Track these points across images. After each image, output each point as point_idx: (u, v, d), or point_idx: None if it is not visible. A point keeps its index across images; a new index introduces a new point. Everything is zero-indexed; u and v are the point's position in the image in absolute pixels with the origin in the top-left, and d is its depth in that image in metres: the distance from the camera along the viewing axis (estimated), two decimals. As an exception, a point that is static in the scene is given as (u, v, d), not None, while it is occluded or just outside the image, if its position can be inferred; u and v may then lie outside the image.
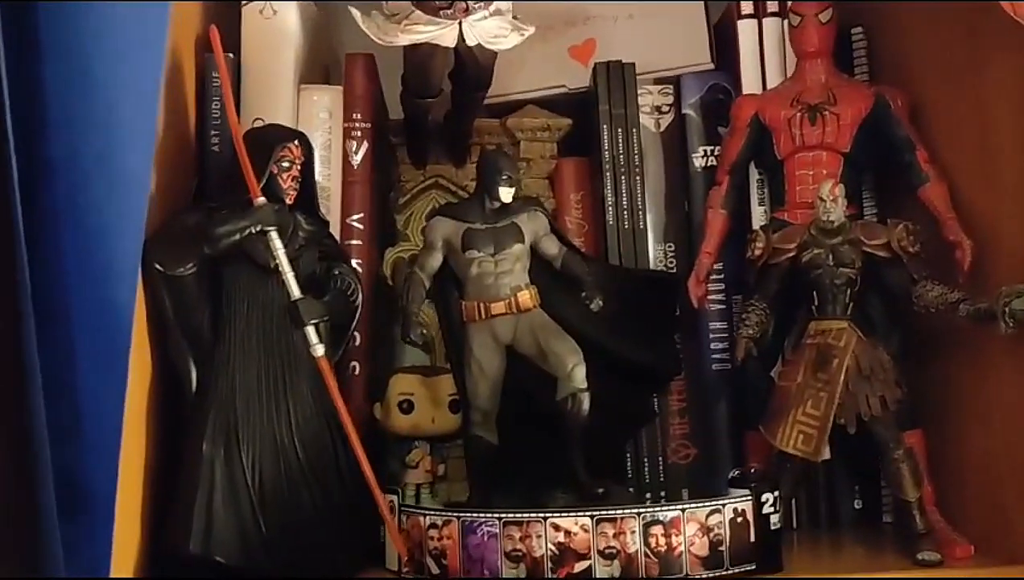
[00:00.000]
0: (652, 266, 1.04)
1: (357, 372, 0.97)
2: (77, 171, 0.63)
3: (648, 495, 1.01)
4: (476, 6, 0.83)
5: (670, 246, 1.05)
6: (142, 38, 0.67)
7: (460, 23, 0.84)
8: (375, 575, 0.83)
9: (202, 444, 0.78)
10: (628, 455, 1.01)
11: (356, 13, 0.86)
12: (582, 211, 1.08)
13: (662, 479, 1.01)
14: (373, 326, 0.99)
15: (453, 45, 0.85)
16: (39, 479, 0.61)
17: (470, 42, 0.85)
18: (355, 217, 0.98)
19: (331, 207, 0.97)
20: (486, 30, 0.85)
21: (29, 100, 0.60)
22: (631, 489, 1.00)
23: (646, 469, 1.02)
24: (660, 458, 1.02)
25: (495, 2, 0.85)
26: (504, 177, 0.87)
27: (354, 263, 0.96)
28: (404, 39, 0.84)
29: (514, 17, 0.89)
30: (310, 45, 1.03)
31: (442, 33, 0.84)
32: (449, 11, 0.82)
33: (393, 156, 1.10)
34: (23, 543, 0.59)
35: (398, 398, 0.97)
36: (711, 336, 1.03)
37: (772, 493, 0.80)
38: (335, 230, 0.96)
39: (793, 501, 0.96)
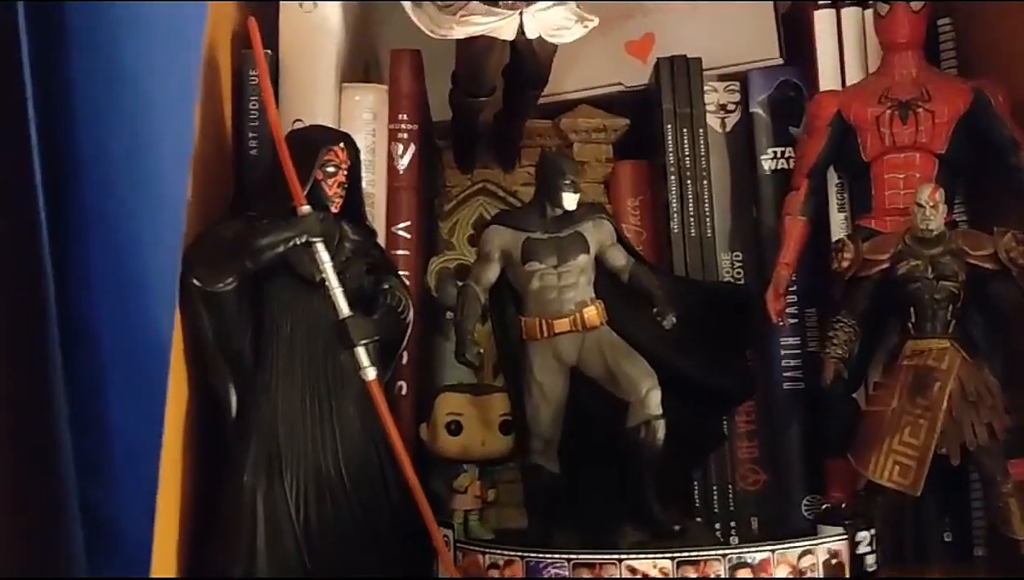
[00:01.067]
0: (719, 277, 0.97)
1: (404, 392, 0.92)
2: (106, 171, 0.57)
3: (717, 526, 0.94)
4: (539, -4, 0.76)
5: (737, 255, 0.99)
6: (176, 30, 0.61)
7: (521, 13, 0.77)
8: (424, 612, 0.76)
9: (243, 474, 0.72)
10: (696, 483, 0.95)
11: (407, 3, 0.79)
12: (640, 218, 1.03)
13: (731, 508, 0.95)
14: (421, 343, 0.93)
15: (512, 37, 0.79)
16: (65, 518, 0.56)
17: (530, 34, 0.79)
18: (401, 226, 0.93)
19: (375, 214, 0.91)
20: (549, 21, 0.79)
21: (55, 94, 0.54)
22: (698, 519, 0.93)
23: (715, 497, 0.95)
24: (729, 485, 0.95)
25: (560, -11, 0.78)
26: (568, 181, 0.80)
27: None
28: (460, 31, 0.78)
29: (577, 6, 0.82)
30: (351, 41, 0.97)
31: (501, 25, 0.78)
32: (510, 1, 0.76)
33: (438, 160, 1.05)
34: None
35: (446, 419, 0.92)
36: (783, 353, 0.96)
37: (868, 531, 0.73)
38: (380, 239, 0.90)
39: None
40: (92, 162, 0.57)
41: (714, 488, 0.95)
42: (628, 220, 1.03)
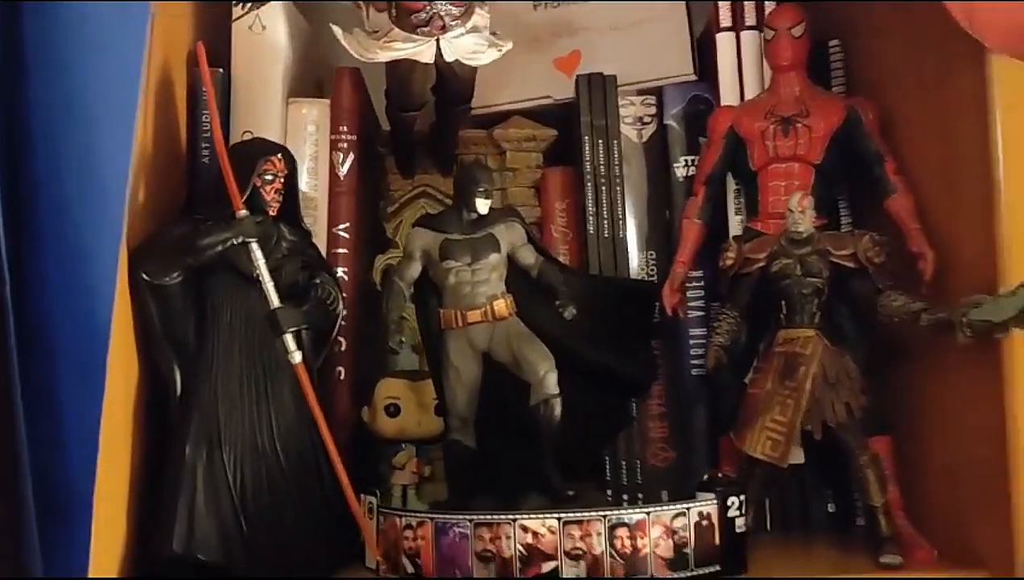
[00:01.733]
0: (634, 274, 1.06)
1: (343, 377, 1.00)
2: (59, 191, 0.66)
3: (625, 497, 1.03)
4: (453, 24, 0.86)
5: (651, 254, 1.06)
6: (121, 60, 0.70)
7: (438, 40, 0.86)
8: (354, 574, 0.85)
9: (185, 449, 0.80)
10: (607, 459, 1.04)
11: (338, 31, 0.88)
12: (567, 220, 1.10)
13: (639, 482, 1.03)
14: (360, 332, 1.02)
15: (432, 61, 0.88)
16: (19, 483, 0.63)
17: (448, 58, 0.88)
18: (341, 226, 1.01)
19: (318, 217, 1.00)
20: (463, 47, 0.88)
21: (13, 121, 0.63)
22: (609, 491, 1.03)
23: (624, 472, 1.04)
24: (638, 461, 1.04)
25: (472, 19, 0.87)
26: (480, 189, 0.89)
27: (340, 271, 1.00)
28: (383, 55, 0.87)
29: (492, 33, 0.91)
30: (301, 59, 1.06)
31: (420, 50, 0.86)
32: (426, 28, 0.85)
33: (382, 166, 1.13)
34: (3, 546, 0.61)
35: (385, 402, 1.00)
36: (691, 342, 1.04)
37: (738, 497, 0.82)
38: (322, 239, 1.00)
39: (766, 504, 0.99)
40: (46, 185, 0.65)
41: (623, 463, 1.03)
42: (556, 222, 1.10)
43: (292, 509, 0.84)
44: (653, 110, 1.08)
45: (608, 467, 1.04)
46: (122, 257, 0.74)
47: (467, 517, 0.79)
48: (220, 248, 0.82)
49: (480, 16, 0.88)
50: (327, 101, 1.02)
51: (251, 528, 0.81)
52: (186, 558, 0.78)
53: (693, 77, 1.11)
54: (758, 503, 0.92)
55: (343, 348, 0.99)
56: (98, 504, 0.67)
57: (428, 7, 0.83)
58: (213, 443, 0.81)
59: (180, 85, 0.95)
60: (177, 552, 0.78)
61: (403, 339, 0.89)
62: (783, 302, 0.89)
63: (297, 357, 0.82)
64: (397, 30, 0.86)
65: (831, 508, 1.01)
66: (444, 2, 0.83)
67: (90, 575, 0.67)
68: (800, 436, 0.88)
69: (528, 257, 0.92)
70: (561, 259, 1.06)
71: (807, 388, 0.85)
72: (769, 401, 0.87)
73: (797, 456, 0.96)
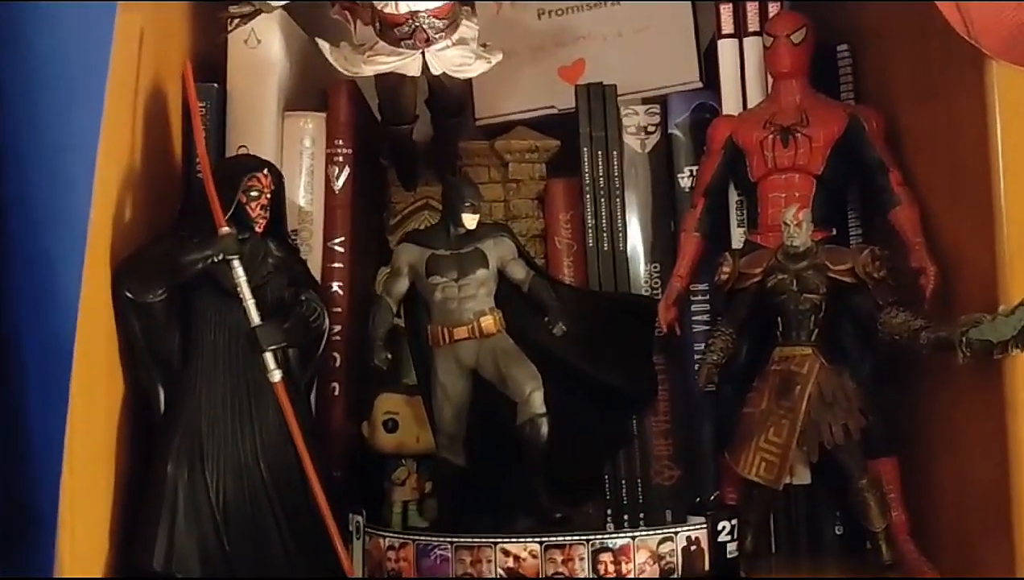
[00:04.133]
0: (638, 288, 1.03)
1: (337, 392, 0.99)
2: (29, 209, 0.66)
3: (626, 517, 1.00)
4: (437, 36, 0.84)
5: (655, 267, 1.04)
6: (85, 84, 0.69)
7: (423, 53, 0.85)
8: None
9: (167, 465, 0.80)
10: (607, 477, 1.01)
11: (324, 45, 0.88)
12: (571, 232, 1.07)
13: (641, 501, 1.01)
14: (358, 346, 1.01)
15: (418, 74, 0.87)
16: None
17: (435, 71, 0.87)
18: (337, 240, 1.00)
19: (314, 231, 1.00)
20: (449, 60, 0.87)
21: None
22: (609, 511, 1.00)
23: (624, 491, 1.01)
24: (639, 479, 1.01)
25: (458, 31, 0.86)
26: (467, 204, 0.88)
27: (335, 285, 0.99)
28: (368, 69, 0.86)
29: (482, 45, 0.90)
30: (299, 72, 1.05)
31: (405, 63, 0.86)
32: (410, 41, 0.84)
33: (384, 178, 1.12)
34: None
35: (383, 417, 0.99)
36: (695, 358, 1.00)
37: (729, 521, 0.79)
38: (317, 253, 0.99)
39: (771, 526, 0.95)
40: (17, 203, 0.65)
41: (623, 483, 1.01)
42: (561, 234, 1.07)
43: (276, 527, 0.83)
44: (657, 119, 1.06)
45: (609, 486, 1.01)
46: (87, 269, 0.74)
47: (448, 539, 0.78)
48: (201, 265, 0.82)
49: (467, 27, 0.87)
50: (323, 115, 1.01)
51: (233, 546, 0.81)
52: (166, 576, 0.78)
53: (699, 84, 1.09)
54: (760, 525, 0.89)
55: (337, 363, 0.98)
56: (64, 519, 0.66)
57: (411, 20, 0.82)
58: (195, 461, 0.81)
59: (175, 98, 0.94)
60: (157, 570, 0.78)
61: (389, 355, 0.88)
62: (779, 318, 0.86)
63: (277, 375, 0.82)
64: (382, 43, 0.85)
65: (839, 530, 0.97)
66: (427, 15, 0.82)
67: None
68: (804, 456, 0.84)
69: (518, 272, 0.90)
70: (566, 272, 1.04)
71: (802, 408, 0.82)
72: (764, 421, 0.84)
73: (804, 476, 0.94)
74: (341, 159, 1.01)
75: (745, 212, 0.99)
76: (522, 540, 0.77)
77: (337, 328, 0.96)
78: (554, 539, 0.76)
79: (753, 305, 0.88)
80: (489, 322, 0.87)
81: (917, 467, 0.88)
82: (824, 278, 0.85)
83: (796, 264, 0.86)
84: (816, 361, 0.84)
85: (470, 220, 0.88)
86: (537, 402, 0.83)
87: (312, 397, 0.95)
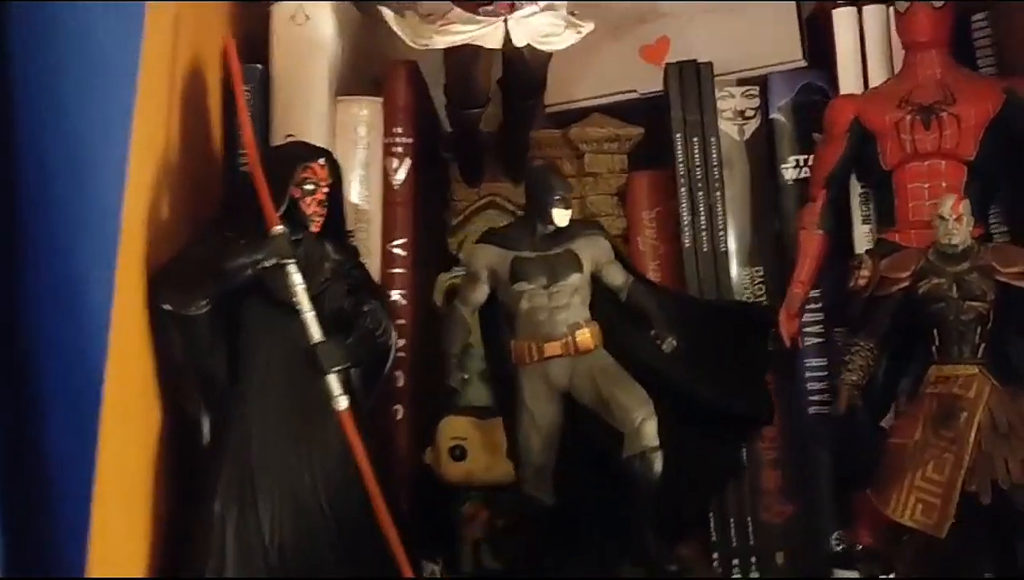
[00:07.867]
0: (737, 293, 0.93)
1: (400, 416, 0.89)
2: (48, 210, 0.57)
3: (736, 562, 0.89)
4: (522, 3, 0.73)
5: (758, 270, 0.94)
6: (115, 72, 0.61)
7: (505, 20, 0.75)
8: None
9: (214, 503, 0.70)
10: (711, 515, 0.90)
11: (388, 13, 0.79)
12: (656, 230, 0.98)
13: (751, 542, 0.90)
14: (421, 363, 0.91)
15: (499, 46, 0.77)
16: None
17: (518, 42, 0.77)
18: (397, 243, 0.91)
19: (371, 232, 0.90)
20: (536, 28, 0.77)
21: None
22: (716, 555, 0.89)
23: (732, 530, 0.90)
24: (749, 518, 0.90)
25: (547, -5, 0.75)
26: (556, 197, 0.76)
27: (396, 294, 0.89)
28: (441, 41, 0.76)
29: (571, 13, 0.79)
30: (351, 54, 0.96)
31: (484, 33, 0.76)
32: (491, 8, 0.74)
33: (444, 173, 1.03)
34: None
35: (449, 443, 0.90)
36: (808, 375, 0.91)
37: (886, 576, 0.67)
38: (375, 258, 0.89)
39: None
40: (39, 204, 0.58)
41: (732, 520, 0.90)
42: (644, 233, 0.99)
43: (337, 570, 0.72)
44: (756, 103, 0.96)
45: (713, 524, 0.90)
46: (119, 278, 0.64)
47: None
48: (250, 271, 0.72)
49: (557, -10, 0.76)
50: (379, 100, 0.91)
51: (291, 594, 0.71)
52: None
53: (803, 63, 0.98)
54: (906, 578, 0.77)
55: (401, 383, 0.89)
56: (93, 568, 0.58)
57: (494, -20, 0.71)
58: (246, 497, 0.71)
59: (214, 83, 0.85)
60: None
61: (466, 376, 0.78)
62: (935, 331, 0.74)
63: (343, 403, 0.71)
64: (457, 10, 0.76)
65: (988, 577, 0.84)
66: (513, -26, 0.71)
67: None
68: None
69: (616, 277, 0.79)
70: (652, 277, 0.94)
71: (970, 439, 0.70)
72: (919, 455, 0.72)
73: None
74: (401, 149, 0.91)
75: (871, 206, 0.88)
76: (634, 598, 0.64)
77: (401, 342, 0.86)
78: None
79: (898, 315, 0.76)
80: (586, 336, 0.75)
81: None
82: (991, 283, 0.73)
83: (954, 266, 0.74)
84: (986, 382, 0.72)
85: (561, 216, 0.76)
86: (650, 433, 0.72)
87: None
